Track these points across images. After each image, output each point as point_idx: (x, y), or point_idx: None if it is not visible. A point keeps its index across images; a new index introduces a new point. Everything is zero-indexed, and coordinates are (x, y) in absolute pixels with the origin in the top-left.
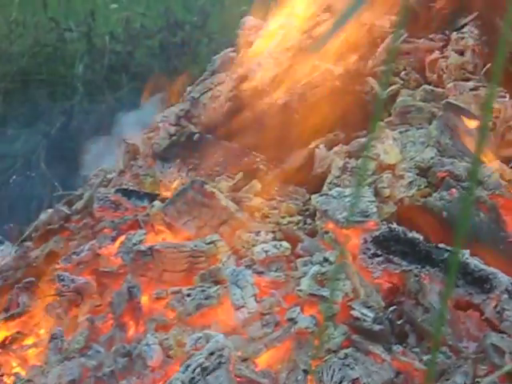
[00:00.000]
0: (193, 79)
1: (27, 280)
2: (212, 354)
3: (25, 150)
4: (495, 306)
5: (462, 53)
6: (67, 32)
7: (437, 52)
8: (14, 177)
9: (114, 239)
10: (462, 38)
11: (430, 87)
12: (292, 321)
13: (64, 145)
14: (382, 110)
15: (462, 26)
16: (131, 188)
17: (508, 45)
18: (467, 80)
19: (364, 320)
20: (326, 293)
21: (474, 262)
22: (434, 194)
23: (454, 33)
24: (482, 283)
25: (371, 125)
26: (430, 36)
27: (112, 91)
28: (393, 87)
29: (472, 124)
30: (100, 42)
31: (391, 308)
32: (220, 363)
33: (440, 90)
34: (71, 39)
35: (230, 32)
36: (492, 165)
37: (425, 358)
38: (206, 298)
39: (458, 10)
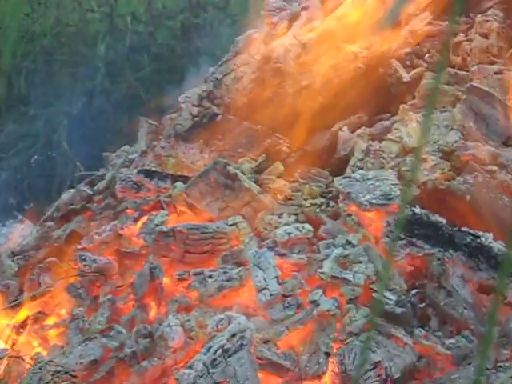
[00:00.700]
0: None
1: (49, 260)
2: (234, 335)
3: (46, 130)
4: None
5: (486, 36)
6: (89, 12)
7: (461, 35)
8: (36, 156)
9: (135, 220)
10: (487, 21)
11: (454, 70)
12: (314, 303)
13: (85, 125)
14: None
15: (487, 9)
16: (153, 169)
17: None
18: (492, 63)
19: (386, 303)
20: (348, 275)
21: (498, 246)
22: (458, 178)
23: (479, 15)
24: None
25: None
26: (455, 19)
27: (133, 72)
28: (416, 70)
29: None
30: (122, 23)
31: (414, 291)
32: (242, 345)
33: (464, 73)
34: (93, 19)
35: (252, 13)
36: None
37: (447, 342)
38: (228, 280)
39: None
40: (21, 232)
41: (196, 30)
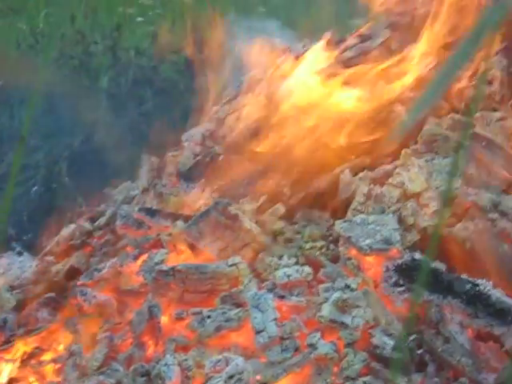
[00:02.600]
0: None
1: (47, 295)
2: (231, 377)
3: (47, 162)
4: None
5: (490, 83)
6: (93, 45)
7: (465, 80)
8: (36, 187)
9: (135, 257)
10: (491, 68)
11: (458, 116)
12: (312, 346)
13: (87, 158)
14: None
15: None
16: (154, 207)
17: None
18: (494, 110)
19: (384, 348)
20: (346, 319)
21: (496, 294)
22: (458, 224)
23: (483, 62)
24: (503, 315)
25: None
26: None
27: (136, 106)
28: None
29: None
30: (125, 56)
31: (412, 337)
32: None
33: (468, 118)
34: (96, 52)
35: (257, 51)
36: None
37: None
38: (226, 321)
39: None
40: (19, 264)
41: (200, 65)
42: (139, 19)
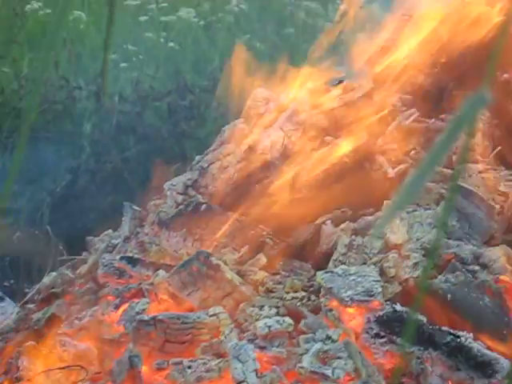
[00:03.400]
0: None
1: (28, 343)
2: None
3: (29, 207)
4: None
5: (472, 135)
6: (77, 90)
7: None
8: (18, 233)
9: (117, 307)
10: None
11: (439, 168)
12: None
13: (69, 203)
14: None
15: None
16: (136, 256)
17: None
18: (476, 162)
19: None
20: (327, 371)
21: (477, 347)
22: (440, 277)
23: None
24: (484, 368)
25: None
26: (442, 116)
27: (119, 152)
28: (401, 166)
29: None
30: (109, 102)
31: None
32: None
33: (449, 170)
34: (80, 97)
35: (240, 98)
36: (498, 249)
37: None
38: (206, 371)
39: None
40: (1, 310)
41: (183, 112)
42: (123, 65)
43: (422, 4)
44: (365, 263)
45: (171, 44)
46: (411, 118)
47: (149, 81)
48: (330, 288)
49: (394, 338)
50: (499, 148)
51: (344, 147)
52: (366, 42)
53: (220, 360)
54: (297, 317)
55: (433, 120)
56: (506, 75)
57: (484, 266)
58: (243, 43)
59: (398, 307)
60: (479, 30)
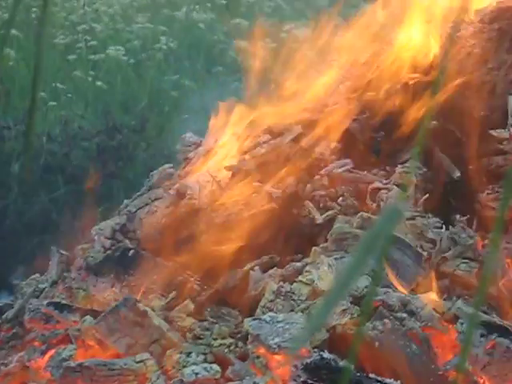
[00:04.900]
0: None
1: None
2: None
3: None
4: None
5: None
6: (5, 130)
7: (380, 182)
8: None
9: (43, 352)
10: (406, 173)
11: (368, 214)
12: None
13: None
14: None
15: (407, 160)
16: (63, 301)
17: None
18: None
19: None
20: None
21: None
22: (367, 324)
23: (399, 166)
24: None
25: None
26: (373, 171)
27: (47, 192)
28: (329, 213)
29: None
30: (37, 142)
31: None
32: None
33: (377, 217)
34: (9, 137)
35: (168, 139)
36: (425, 296)
37: None
38: None
39: (401, 143)
40: None
41: (111, 152)
42: (51, 103)
43: (351, 50)
44: (292, 310)
45: (100, 83)
46: (343, 168)
47: (77, 120)
48: (258, 335)
49: None
50: (427, 195)
51: (273, 194)
52: (296, 82)
53: None
54: (224, 364)
55: (365, 172)
56: (434, 122)
57: (411, 314)
58: (173, 82)
59: (326, 354)
60: (405, 74)
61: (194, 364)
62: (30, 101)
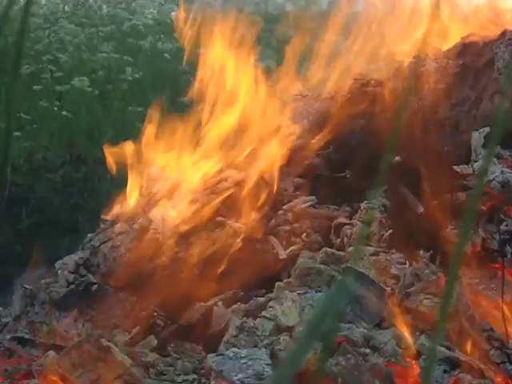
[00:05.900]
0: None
1: None
2: None
3: None
4: None
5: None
6: None
7: (342, 217)
8: None
9: None
10: (370, 209)
11: (331, 250)
12: None
13: None
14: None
15: (370, 197)
16: (26, 336)
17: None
18: (368, 245)
19: None
20: None
21: None
22: (330, 359)
23: (365, 201)
24: None
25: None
26: (337, 207)
27: (11, 224)
28: (293, 248)
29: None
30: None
31: None
32: None
33: (341, 253)
34: None
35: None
36: (389, 332)
37: None
38: None
39: (366, 178)
40: None
41: (76, 184)
42: (16, 134)
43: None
44: (256, 346)
45: (65, 113)
46: (307, 204)
47: (42, 151)
48: (221, 371)
49: None
50: (391, 231)
51: (236, 227)
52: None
53: None
54: None
55: (332, 208)
56: (397, 158)
57: (375, 349)
58: (137, 112)
59: None
60: (369, 109)
61: None
62: (4, 135)
